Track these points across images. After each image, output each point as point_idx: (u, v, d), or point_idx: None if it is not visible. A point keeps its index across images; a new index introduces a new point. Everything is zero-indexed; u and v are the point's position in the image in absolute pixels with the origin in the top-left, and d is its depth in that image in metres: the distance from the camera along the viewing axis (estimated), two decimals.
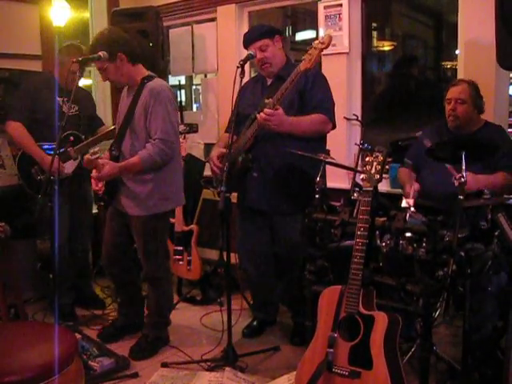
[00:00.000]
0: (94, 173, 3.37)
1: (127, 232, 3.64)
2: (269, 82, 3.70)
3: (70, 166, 4.04)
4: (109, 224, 3.70)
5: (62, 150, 3.81)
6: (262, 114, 3.30)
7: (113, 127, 3.99)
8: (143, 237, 3.55)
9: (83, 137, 4.16)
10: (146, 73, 3.52)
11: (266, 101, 3.48)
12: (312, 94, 3.49)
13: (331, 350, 2.60)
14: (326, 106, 3.52)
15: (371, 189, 2.71)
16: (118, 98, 3.73)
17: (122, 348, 3.65)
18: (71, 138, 4.06)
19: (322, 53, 3.29)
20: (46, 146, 3.97)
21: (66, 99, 4.05)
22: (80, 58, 3.41)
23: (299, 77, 3.28)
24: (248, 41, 3.61)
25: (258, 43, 3.54)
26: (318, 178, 3.40)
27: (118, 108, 3.71)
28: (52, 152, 3.37)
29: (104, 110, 5.64)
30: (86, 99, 4.38)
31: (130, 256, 3.75)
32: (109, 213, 3.69)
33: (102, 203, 3.56)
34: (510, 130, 4.44)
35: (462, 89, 3.45)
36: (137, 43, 3.61)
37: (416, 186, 3.31)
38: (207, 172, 4.29)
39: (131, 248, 3.75)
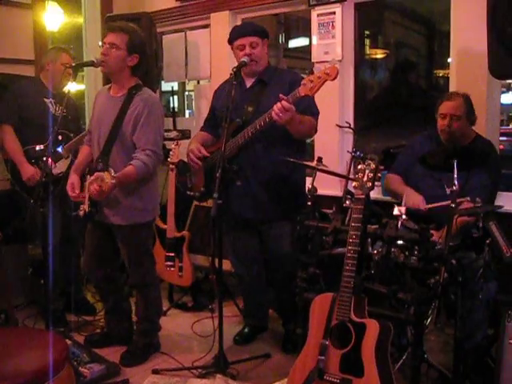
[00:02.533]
0: (95, 189, 3.21)
1: (108, 244, 3.63)
2: (248, 84, 3.64)
3: (61, 166, 4.06)
4: (89, 234, 3.69)
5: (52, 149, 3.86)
6: (283, 103, 3.14)
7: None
8: (127, 245, 3.56)
9: (72, 135, 4.18)
10: (135, 83, 3.50)
11: (249, 109, 3.48)
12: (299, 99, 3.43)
13: (322, 358, 2.60)
14: (314, 111, 3.52)
15: (363, 196, 2.71)
16: None
17: (113, 354, 3.63)
18: (60, 136, 4.08)
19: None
20: (38, 148, 4.02)
21: (53, 101, 4.09)
22: (74, 64, 3.43)
23: (296, 99, 3.20)
24: (240, 33, 3.55)
25: (251, 39, 3.49)
26: (309, 185, 3.41)
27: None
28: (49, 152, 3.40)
29: None
30: (72, 106, 4.39)
31: (110, 266, 3.72)
32: (91, 223, 3.66)
33: (83, 214, 3.48)
34: (501, 138, 4.47)
35: (457, 104, 3.38)
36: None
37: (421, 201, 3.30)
38: None
39: (113, 258, 3.72)
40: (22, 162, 3.98)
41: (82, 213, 3.45)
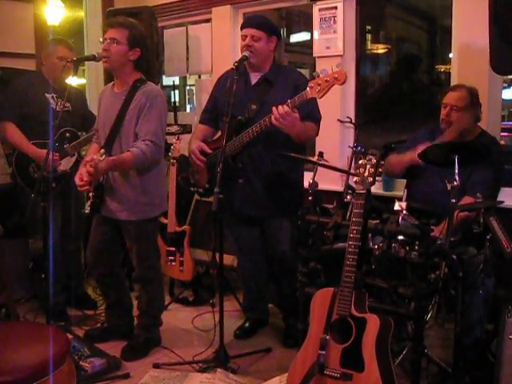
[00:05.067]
0: (89, 168, 3.24)
1: (113, 239, 3.64)
2: (253, 81, 3.64)
3: (66, 163, 4.05)
4: (95, 229, 3.69)
5: (58, 146, 3.86)
6: (279, 108, 3.19)
7: None
8: (134, 240, 3.56)
9: (79, 133, 4.17)
10: (139, 76, 3.51)
11: (253, 107, 3.48)
12: (305, 103, 3.36)
13: (323, 352, 2.60)
14: (317, 116, 3.54)
15: (364, 191, 2.71)
16: None
17: (114, 349, 3.63)
18: (67, 134, 4.08)
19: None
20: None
21: (55, 96, 4.08)
22: (75, 58, 3.43)
23: (302, 101, 3.21)
24: (246, 24, 3.56)
25: (254, 31, 3.49)
26: (310, 180, 3.41)
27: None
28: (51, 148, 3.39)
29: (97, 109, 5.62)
30: (78, 97, 4.37)
31: (114, 262, 3.74)
32: (96, 218, 3.67)
33: (90, 207, 3.52)
34: (502, 133, 4.47)
35: (460, 95, 3.35)
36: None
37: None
38: None
39: (117, 253, 3.74)
40: (35, 150, 3.94)
41: (88, 208, 3.51)
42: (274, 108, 3.23)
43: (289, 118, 3.20)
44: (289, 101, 3.22)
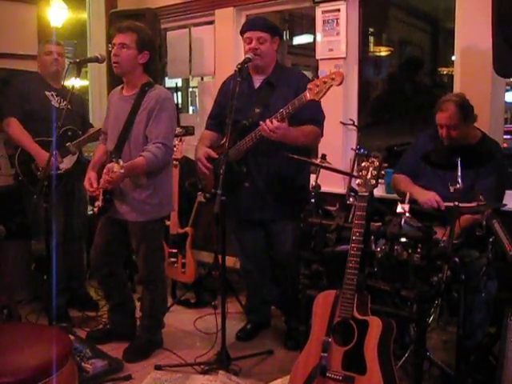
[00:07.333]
0: (106, 177, 3.25)
1: (119, 240, 3.65)
2: (256, 84, 3.65)
3: (68, 161, 4.07)
4: (101, 230, 3.69)
5: (60, 144, 3.89)
6: (268, 123, 3.22)
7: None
8: (141, 241, 3.57)
9: (80, 132, 4.19)
10: (147, 80, 3.53)
11: (257, 111, 3.48)
12: (306, 106, 3.32)
13: (325, 355, 2.60)
14: (318, 118, 3.53)
15: (367, 194, 2.71)
16: None
17: (116, 350, 3.64)
18: (69, 133, 4.10)
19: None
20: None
21: (54, 93, 4.13)
22: (78, 60, 3.45)
23: (302, 104, 3.20)
24: (250, 26, 3.55)
25: (259, 34, 3.48)
26: (313, 183, 3.42)
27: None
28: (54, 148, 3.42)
29: (100, 111, 5.64)
30: (78, 100, 4.38)
31: (118, 263, 3.75)
32: (102, 219, 3.67)
33: (98, 210, 3.53)
34: (505, 136, 4.46)
35: (451, 115, 3.30)
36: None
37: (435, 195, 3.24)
38: None
39: (121, 255, 3.75)
40: (37, 149, 3.95)
41: (96, 210, 3.52)
42: (261, 123, 3.26)
43: (278, 130, 3.23)
44: (278, 113, 3.24)
